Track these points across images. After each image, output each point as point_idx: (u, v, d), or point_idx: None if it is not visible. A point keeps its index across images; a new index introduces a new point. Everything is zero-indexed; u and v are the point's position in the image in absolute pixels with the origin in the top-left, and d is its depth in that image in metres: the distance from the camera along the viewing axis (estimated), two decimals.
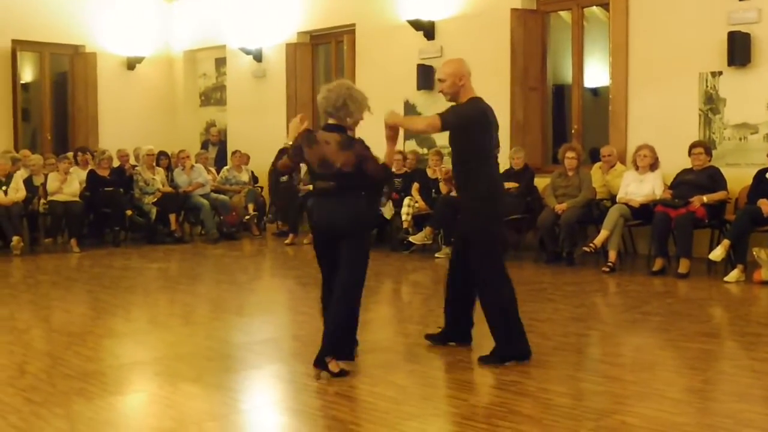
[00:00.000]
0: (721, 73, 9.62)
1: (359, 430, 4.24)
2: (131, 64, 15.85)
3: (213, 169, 14.04)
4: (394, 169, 7.02)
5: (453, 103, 5.57)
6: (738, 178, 9.16)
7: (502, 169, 10.36)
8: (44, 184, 11.72)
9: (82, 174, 12.24)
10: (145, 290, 8.83)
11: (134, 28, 15.78)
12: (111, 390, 4.98)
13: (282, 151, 6.49)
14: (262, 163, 13.92)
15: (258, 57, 14.86)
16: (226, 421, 4.45)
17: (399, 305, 8.44)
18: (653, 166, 9.45)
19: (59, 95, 15.72)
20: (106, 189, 12.05)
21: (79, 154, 12.96)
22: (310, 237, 11.91)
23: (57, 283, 9.18)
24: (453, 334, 5.86)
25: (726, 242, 8.43)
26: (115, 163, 12.79)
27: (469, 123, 5.48)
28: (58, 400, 4.68)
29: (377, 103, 5.50)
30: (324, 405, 4.59)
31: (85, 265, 10.44)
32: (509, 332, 5.42)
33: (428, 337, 5.95)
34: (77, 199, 11.69)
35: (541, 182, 10.51)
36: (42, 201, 11.64)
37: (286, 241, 12.12)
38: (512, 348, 5.41)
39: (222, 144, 15.55)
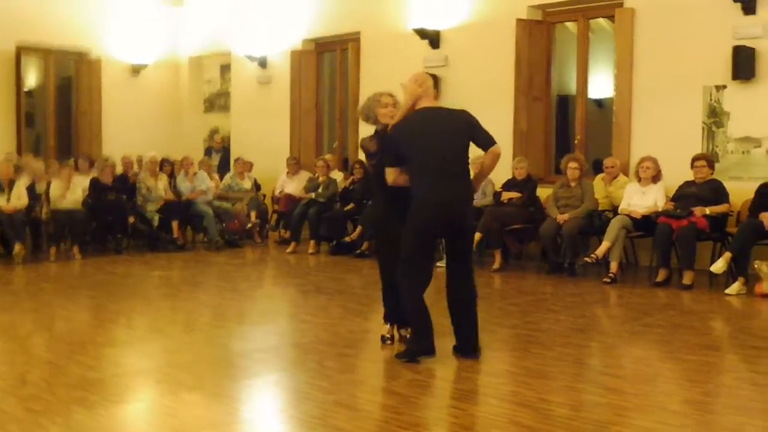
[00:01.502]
0: (725, 86, 9.62)
1: None
2: (136, 70, 15.86)
3: (216, 176, 14.05)
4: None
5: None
6: (740, 191, 9.17)
7: (504, 179, 10.54)
8: (47, 192, 11.70)
9: (85, 181, 12.22)
10: (146, 298, 8.84)
11: (140, 34, 15.81)
12: (112, 399, 4.96)
13: None
14: (265, 171, 13.98)
15: (263, 64, 14.89)
16: (228, 429, 4.45)
17: None
18: (656, 178, 9.46)
19: (63, 101, 15.70)
20: (108, 196, 12.04)
21: (80, 160, 12.98)
22: (312, 245, 12.13)
23: (59, 290, 9.17)
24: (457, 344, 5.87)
25: (727, 255, 8.45)
26: (119, 170, 12.79)
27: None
28: (59, 409, 4.67)
29: None
30: (324, 414, 4.59)
31: (87, 272, 10.43)
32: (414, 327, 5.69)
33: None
34: (80, 206, 11.68)
35: (543, 192, 10.51)
36: (45, 209, 11.60)
37: (288, 250, 12.13)
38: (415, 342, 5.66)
39: (225, 151, 15.57)
